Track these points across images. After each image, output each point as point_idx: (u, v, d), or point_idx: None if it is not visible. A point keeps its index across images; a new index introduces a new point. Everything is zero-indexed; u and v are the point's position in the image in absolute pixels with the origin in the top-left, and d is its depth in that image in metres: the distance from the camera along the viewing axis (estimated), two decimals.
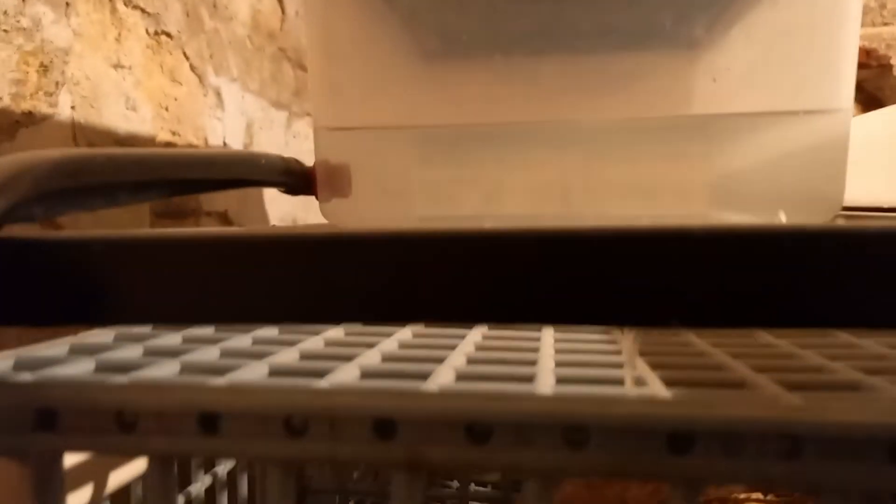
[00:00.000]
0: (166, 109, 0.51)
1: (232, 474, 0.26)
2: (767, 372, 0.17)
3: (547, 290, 0.15)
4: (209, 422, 0.15)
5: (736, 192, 0.35)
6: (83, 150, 0.22)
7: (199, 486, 0.27)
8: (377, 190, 0.49)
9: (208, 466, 0.27)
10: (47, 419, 0.16)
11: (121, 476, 0.20)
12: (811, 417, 0.13)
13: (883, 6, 0.96)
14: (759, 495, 0.30)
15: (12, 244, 0.16)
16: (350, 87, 0.44)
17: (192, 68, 0.55)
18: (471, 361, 0.18)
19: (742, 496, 0.30)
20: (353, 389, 0.16)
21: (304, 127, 0.79)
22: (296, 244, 0.15)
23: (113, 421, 0.16)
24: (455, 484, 0.43)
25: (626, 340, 0.18)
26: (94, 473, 0.19)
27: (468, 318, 0.15)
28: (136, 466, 0.21)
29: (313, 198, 0.48)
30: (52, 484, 0.16)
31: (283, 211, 0.71)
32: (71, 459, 0.18)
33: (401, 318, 0.15)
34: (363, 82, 0.44)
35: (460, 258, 0.15)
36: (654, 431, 0.14)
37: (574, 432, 0.14)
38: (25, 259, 0.16)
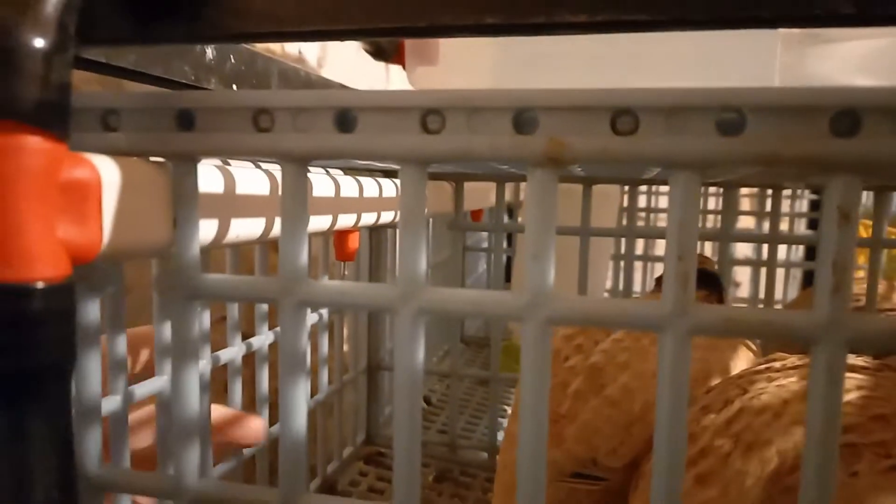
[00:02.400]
0: None
1: None
2: None
3: None
4: (345, 119, 0.15)
5: None
6: None
7: None
8: (464, 58, 0.49)
9: None
10: (185, 120, 0.16)
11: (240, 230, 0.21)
12: None
13: None
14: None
15: None
16: None
17: None
18: None
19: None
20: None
21: None
22: None
23: (249, 121, 0.16)
24: None
25: None
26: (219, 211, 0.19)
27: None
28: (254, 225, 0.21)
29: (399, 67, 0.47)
30: (187, 186, 0.16)
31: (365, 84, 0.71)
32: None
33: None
34: None
35: None
36: (817, 110, 0.13)
37: (728, 117, 0.13)
38: None
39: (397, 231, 0.15)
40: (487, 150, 0.15)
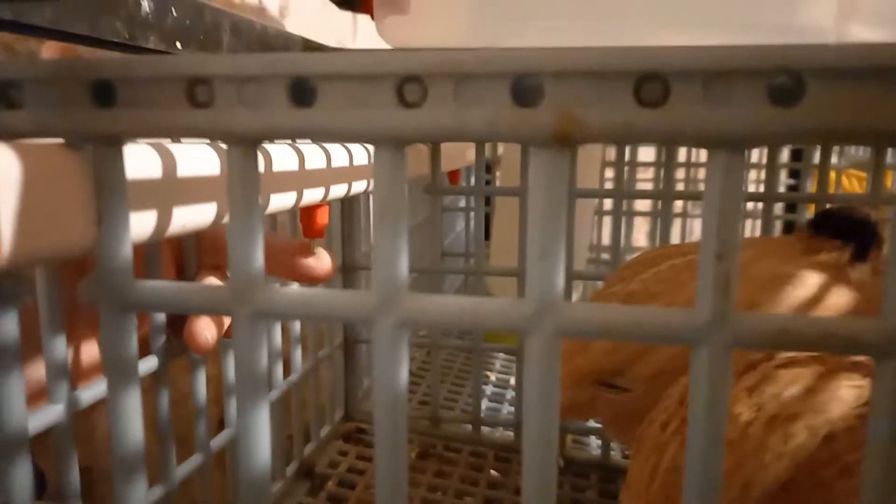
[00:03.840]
0: None
1: None
2: None
3: None
4: (302, 90, 0.12)
5: None
6: None
7: None
8: (438, 6, 0.45)
9: None
10: (104, 93, 0.13)
11: (184, 218, 0.18)
12: None
13: None
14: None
15: None
16: None
17: None
18: None
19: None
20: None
21: None
22: None
23: (183, 93, 0.13)
24: None
25: None
26: (158, 199, 0.16)
27: None
28: (201, 213, 0.18)
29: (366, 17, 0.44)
30: (112, 173, 0.13)
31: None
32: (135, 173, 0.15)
33: None
34: None
35: None
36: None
37: (782, 82, 0.11)
38: None
39: (371, 217, 0.13)
40: (480, 127, 0.12)
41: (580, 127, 0.11)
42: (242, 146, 0.13)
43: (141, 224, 0.16)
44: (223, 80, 0.13)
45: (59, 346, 0.21)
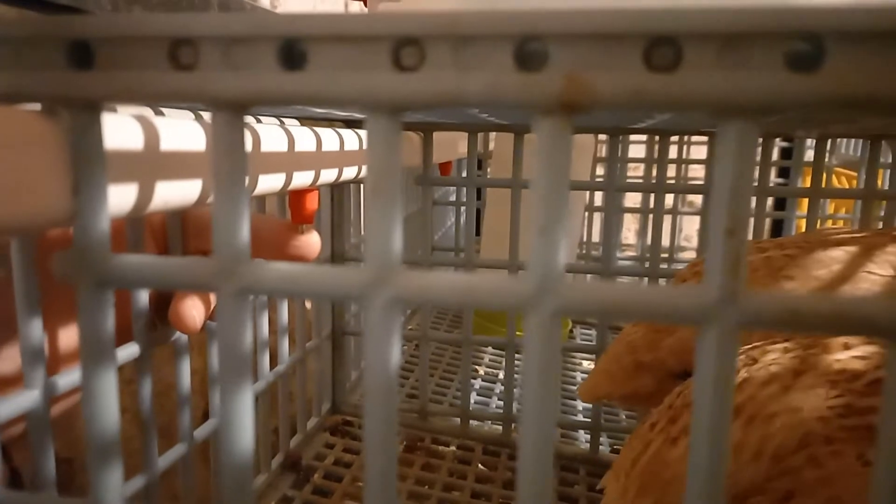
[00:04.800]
0: None
1: None
2: None
3: None
4: (292, 52, 0.12)
5: None
6: None
7: None
8: None
9: None
10: (82, 54, 0.12)
11: (165, 193, 0.17)
12: None
13: None
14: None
15: None
16: None
17: None
18: None
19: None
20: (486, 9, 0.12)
21: None
22: None
23: (166, 55, 0.12)
24: None
25: None
26: (140, 174, 0.16)
27: None
28: (183, 191, 0.18)
29: None
30: (89, 141, 0.13)
31: None
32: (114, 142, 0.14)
33: None
34: None
35: None
36: None
37: (801, 47, 0.10)
38: None
39: (362, 195, 0.12)
40: (481, 93, 0.11)
41: (588, 93, 0.11)
42: (228, 112, 0.12)
43: (120, 197, 0.15)
44: (208, 41, 0.12)
45: (35, 327, 0.20)
